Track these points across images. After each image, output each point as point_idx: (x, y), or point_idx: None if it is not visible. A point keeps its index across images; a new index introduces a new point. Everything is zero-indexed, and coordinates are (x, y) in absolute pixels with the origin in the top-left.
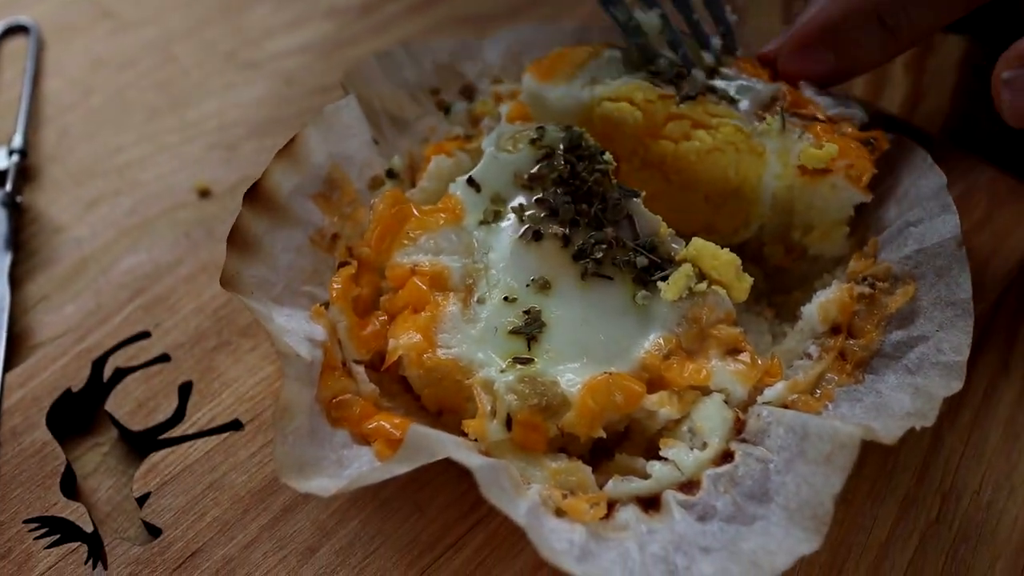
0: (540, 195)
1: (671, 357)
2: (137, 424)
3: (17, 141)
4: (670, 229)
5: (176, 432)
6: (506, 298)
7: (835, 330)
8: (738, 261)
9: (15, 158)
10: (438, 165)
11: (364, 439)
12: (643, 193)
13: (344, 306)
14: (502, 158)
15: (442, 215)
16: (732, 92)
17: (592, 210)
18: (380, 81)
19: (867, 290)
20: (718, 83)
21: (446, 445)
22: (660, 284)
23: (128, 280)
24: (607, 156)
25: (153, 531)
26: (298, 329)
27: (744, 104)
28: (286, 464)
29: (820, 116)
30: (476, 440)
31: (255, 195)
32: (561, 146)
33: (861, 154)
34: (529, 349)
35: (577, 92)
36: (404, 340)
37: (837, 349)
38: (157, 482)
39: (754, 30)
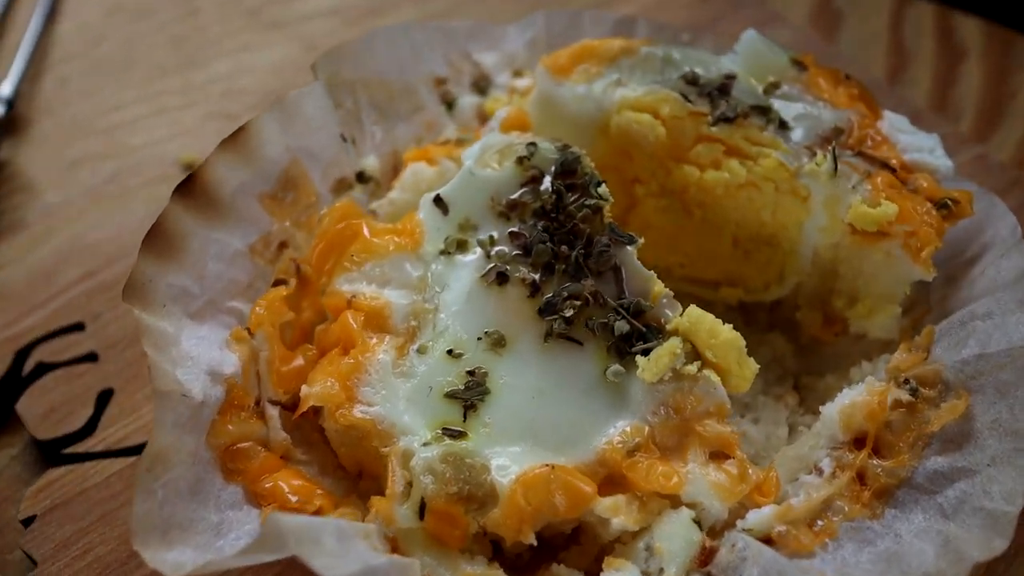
0: (516, 227)
1: (638, 453)
2: (44, 431)
3: (7, 89)
4: (667, 290)
5: (82, 447)
6: (451, 351)
7: (859, 442)
8: (742, 343)
9: (1, 109)
10: (415, 175)
11: (259, 500)
12: (640, 241)
13: (270, 334)
14: (481, 176)
15: (396, 239)
16: (788, 116)
17: (573, 254)
18: (369, 65)
19: (907, 396)
20: (775, 102)
21: (318, 539)
22: (640, 359)
23: (84, 258)
24: (603, 190)
25: (31, 562)
26: (203, 358)
27: (798, 133)
28: (145, 525)
29: (892, 162)
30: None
31: (191, 188)
32: (552, 169)
33: (929, 220)
34: (465, 419)
35: (598, 94)
36: (319, 389)
37: (856, 468)
38: (47, 504)
39: (856, 38)
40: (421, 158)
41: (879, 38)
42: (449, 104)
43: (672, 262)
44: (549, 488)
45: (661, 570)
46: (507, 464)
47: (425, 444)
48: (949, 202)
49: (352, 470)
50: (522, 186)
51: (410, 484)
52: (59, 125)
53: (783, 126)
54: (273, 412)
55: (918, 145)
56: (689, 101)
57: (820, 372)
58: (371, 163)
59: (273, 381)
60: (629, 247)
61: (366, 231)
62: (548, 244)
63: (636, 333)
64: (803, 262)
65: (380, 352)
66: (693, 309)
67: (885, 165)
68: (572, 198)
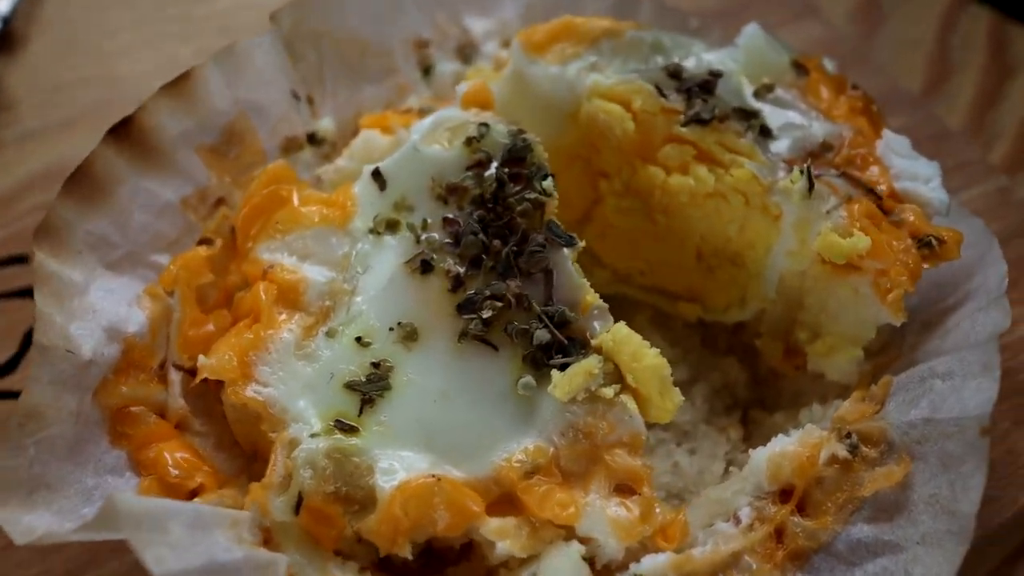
0: (452, 214)
1: (537, 476)
2: None
3: (4, 6)
4: (600, 302)
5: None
6: (359, 339)
7: (785, 495)
8: (666, 371)
9: None
10: (367, 143)
11: (141, 468)
12: (580, 244)
13: (184, 294)
14: (426, 153)
15: (325, 210)
16: (774, 123)
17: (504, 250)
18: (340, 17)
19: (844, 453)
20: (764, 107)
21: (163, 526)
22: (555, 374)
23: (47, 187)
24: (548, 183)
25: None
26: (107, 313)
27: (781, 144)
28: (9, 482)
29: (879, 188)
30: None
31: (126, 131)
32: (501, 155)
33: (906, 259)
34: (360, 414)
35: (571, 77)
36: (215, 361)
37: (775, 523)
38: None
39: (896, 41)
40: (377, 125)
41: (922, 44)
42: (426, 69)
43: (632, 267)
44: (431, 501)
45: None
46: (394, 469)
47: (313, 435)
48: (933, 241)
49: (247, 449)
50: (467, 169)
51: (290, 475)
52: (52, 46)
53: (766, 134)
54: (175, 378)
55: (914, 173)
56: (664, 95)
57: (772, 408)
58: (326, 125)
59: (179, 345)
60: (566, 249)
61: (296, 199)
62: (480, 236)
63: (557, 345)
64: (767, 287)
65: (285, 330)
66: (620, 328)
67: (870, 191)
68: (515, 189)
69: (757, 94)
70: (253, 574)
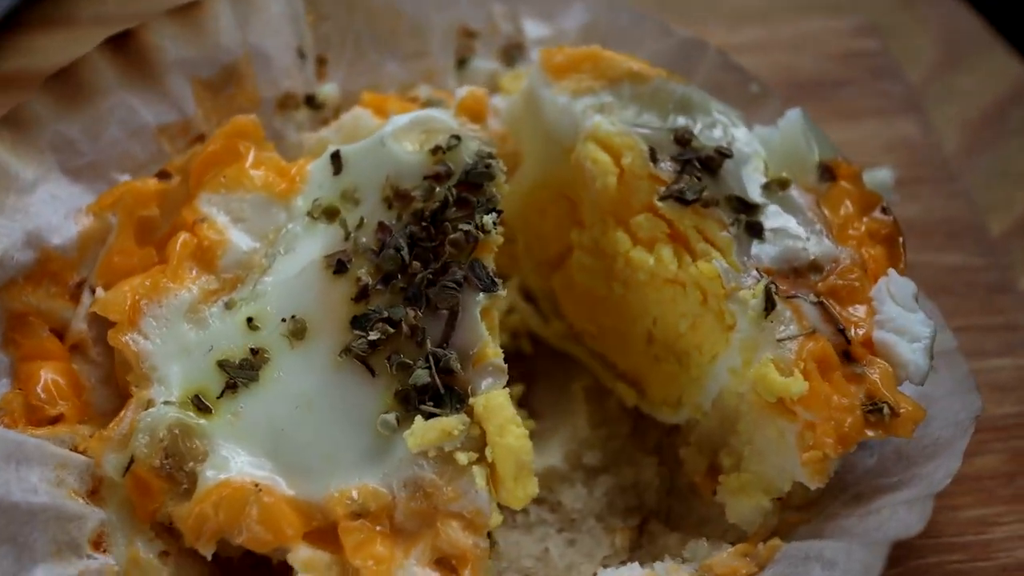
0: (390, 220)
1: (364, 519)
2: None
3: None
4: (497, 361)
5: None
6: (250, 320)
7: None
8: (526, 457)
9: None
10: (356, 120)
11: (15, 380)
12: (501, 292)
13: (123, 221)
14: (391, 150)
15: (272, 178)
16: (770, 225)
17: (420, 275)
18: None
19: None
20: (769, 204)
21: None
22: (418, 420)
23: None
24: (488, 220)
25: None
26: (38, 218)
27: (767, 249)
28: None
29: (852, 331)
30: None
31: (123, 44)
32: (464, 172)
33: (845, 420)
34: (220, 396)
35: (577, 112)
36: (110, 297)
37: None
38: None
39: (1000, 166)
40: (374, 106)
41: None
42: (462, 61)
43: (586, 329)
44: (244, 509)
45: None
46: (227, 464)
47: (167, 402)
48: (887, 409)
49: (122, 393)
50: (425, 178)
51: (131, 435)
52: None
53: (754, 233)
54: (87, 300)
55: (903, 326)
56: (655, 160)
57: (674, 525)
58: (328, 90)
59: (99, 269)
60: (481, 295)
61: (250, 158)
62: (402, 253)
63: (432, 391)
64: (705, 397)
65: (186, 288)
66: (497, 395)
67: (841, 331)
68: (457, 214)
69: (767, 188)
70: (49, 524)
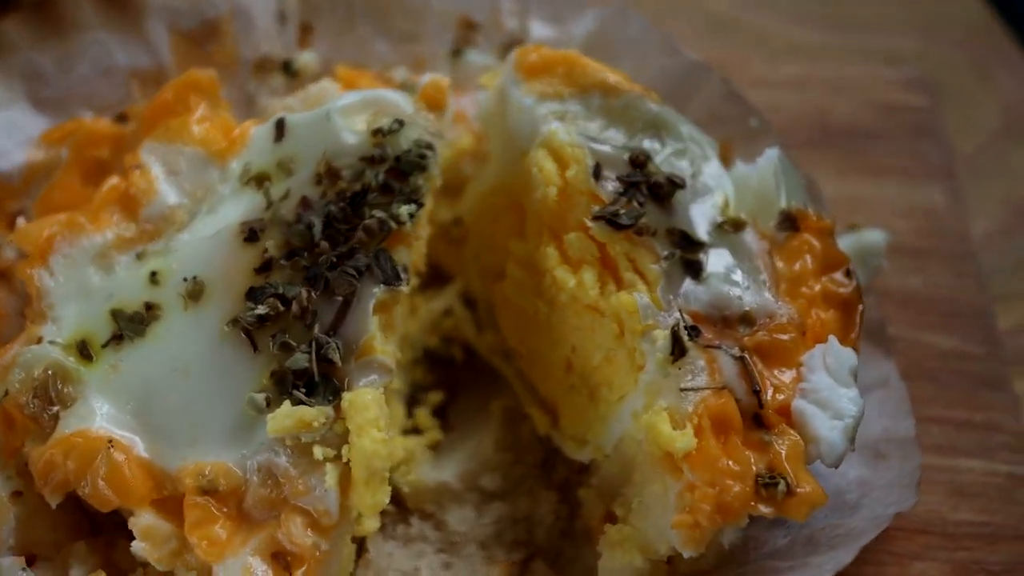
0: (314, 196)
1: (213, 497)
2: None
3: None
4: (383, 359)
5: None
6: (154, 274)
7: None
8: (381, 463)
9: None
10: (321, 92)
11: None
12: (403, 287)
13: (71, 159)
14: (335, 125)
15: (213, 136)
16: (711, 267)
17: (324, 257)
18: None
19: None
20: (717, 244)
21: None
22: (285, 405)
23: None
24: (404, 211)
25: None
26: None
27: (699, 291)
28: None
29: (768, 396)
30: None
31: None
32: (395, 158)
33: (730, 489)
34: (104, 346)
35: (537, 116)
36: (31, 227)
37: None
38: None
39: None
40: (345, 79)
41: None
42: (457, 52)
43: (515, 347)
44: (93, 463)
45: None
46: (91, 414)
47: (52, 343)
48: (783, 485)
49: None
50: (360, 159)
51: (7, 370)
52: None
53: (691, 272)
54: (20, 222)
55: (827, 400)
56: (599, 177)
57: (559, 569)
58: (306, 59)
59: (38, 201)
60: (379, 287)
61: (199, 112)
62: (313, 231)
63: (308, 377)
64: (608, 440)
65: (101, 232)
66: (366, 393)
67: (756, 392)
68: (378, 199)
69: (720, 227)
70: None
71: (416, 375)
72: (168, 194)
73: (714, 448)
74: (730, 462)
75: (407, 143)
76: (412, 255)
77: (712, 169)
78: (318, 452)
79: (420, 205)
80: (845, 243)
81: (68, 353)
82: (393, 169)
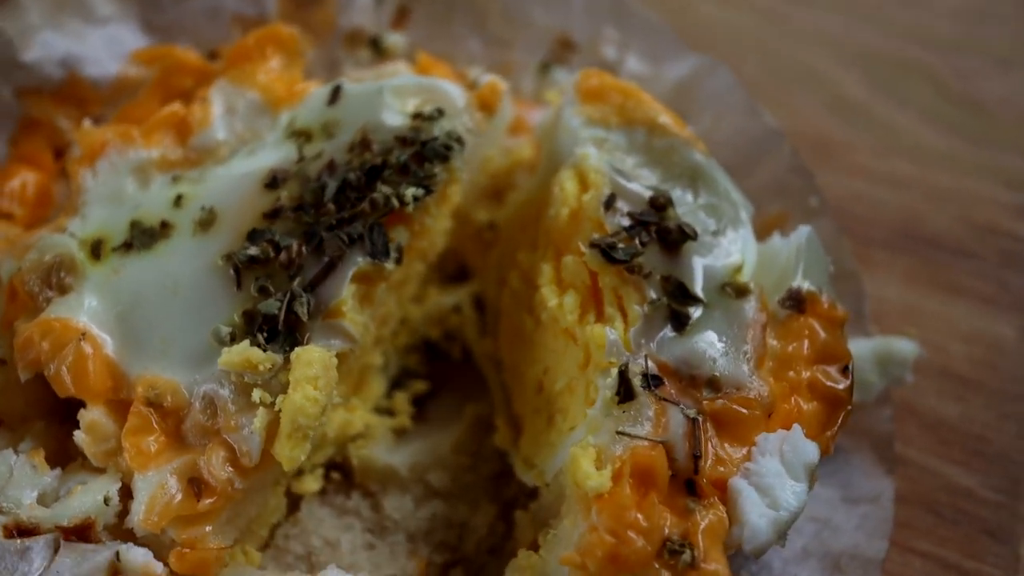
0: (342, 162)
1: (155, 409)
2: None
3: None
4: (348, 327)
5: None
6: (180, 197)
7: None
8: (307, 423)
9: None
10: (394, 72)
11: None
12: (388, 264)
13: (157, 80)
14: (383, 102)
15: (276, 86)
16: (696, 325)
17: (326, 218)
18: None
19: None
20: (712, 303)
21: None
22: (243, 345)
23: None
24: (410, 192)
25: None
26: (86, 48)
27: (672, 344)
28: None
29: (713, 468)
30: None
31: None
32: (422, 143)
33: (629, 544)
34: (113, 250)
35: (581, 138)
36: (93, 130)
37: None
38: None
39: None
40: (423, 67)
41: None
42: (545, 67)
43: (504, 358)
44: (62, 350)
45: None
46: (78, 307)
47: (72, 235)
48: (688, 556)
49: None
50: (394, 138)
51: (28, 248)
52: None
53: (675, 324)
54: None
55: (769, 486)
56: (609, 207)
57: None
58: (394, 40)
59: (117, 114)
60: (363, 258)
61: (272, 63)
62: (325, 191)
63: (272, 325)
64: (550, 468)
65: (149, 149)
66: (313, 351)
67: (696, 458)
68: (393, 177)
69: (722, 288)
70: None
71: (409, 361)
72: (219, 129)
73: (627, 498)
74: (640, 516)
75: (440, 132)
76: (416, 239)
77: (739, 233)
78: (256, 395)
79: (429, 191)
80: (870, 344)
81: (81, 248)
82: (417, 153)
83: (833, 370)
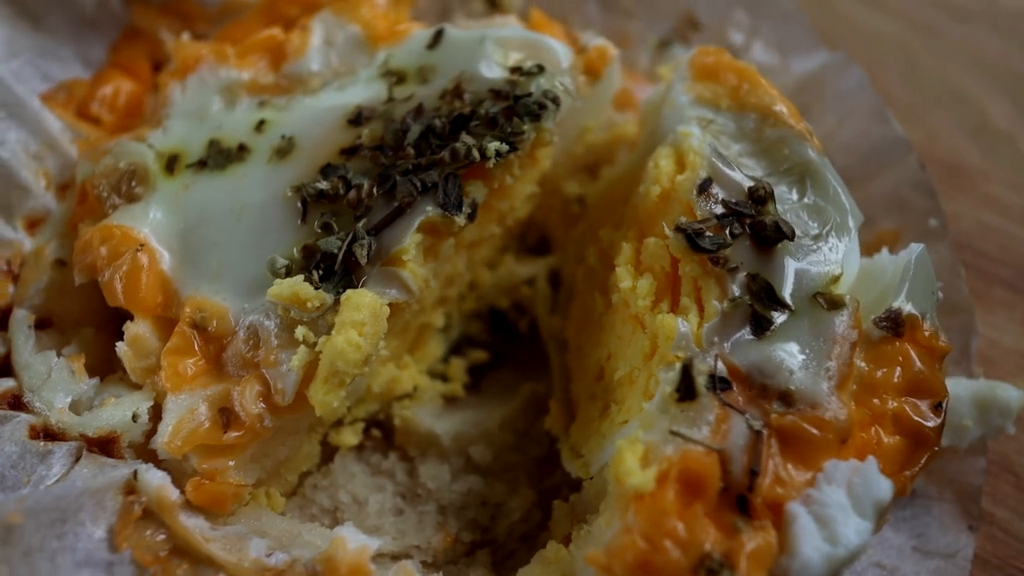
0: (432, 107)
1: (198, 332)
2: None
3: None
4: (409, 279)
5: None
6: (262, 123)
7: None
8: (346, 369)
9: None
10: (503, 25)
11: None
12: (458, 218)
13: (262, 5)
14: (484, 51)
15: (379, 22)
16: (776, 327)
17: (403, 163)
18: None
19: None
20: (798, 311)
21: None
22: (298, 278)
23: None
24: (493, 146)
25: None
26: None
27: (747, 348)
28: None
29: (771, 489)
30: None
31: None
32: (515, 97)
33: (664, 555)
34: (188, 167)
35: (686, 116)
36: (190, 44)
37: None
38: None
39: None
40: (535, 24)
41: None
42: (665, 43)
43: (571, 339)
44: (119, 259)
45: None
46: (143, 217)
47: (150, 146)
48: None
49: None
50: (488, 90)
51: (105, 152)
52: None
53: (754, 327)
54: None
55: (829, 518)
56: (702, 192)
57: (498, 570)
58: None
59: (220, 32)
60: (433, 208)
61: (378, 3)
62: (407, 134)
63: (329, 263)
64: (596, 461)
65: (241, 70)
66: (364, 295)
67: (753, 473)
68: (479, 130)
69: (813, 298)
70: None
71: (472, 328)
72: (313, 60)
73: (669, 503)
74: (680, 526)
75: (536, 89)
76: (494, 199)
77: (843, 242)
78: (299, 332)
79: (513, 148)
80: (972, 385)
81: (157, 160)
82: (508, 108)
83: (924, 405)
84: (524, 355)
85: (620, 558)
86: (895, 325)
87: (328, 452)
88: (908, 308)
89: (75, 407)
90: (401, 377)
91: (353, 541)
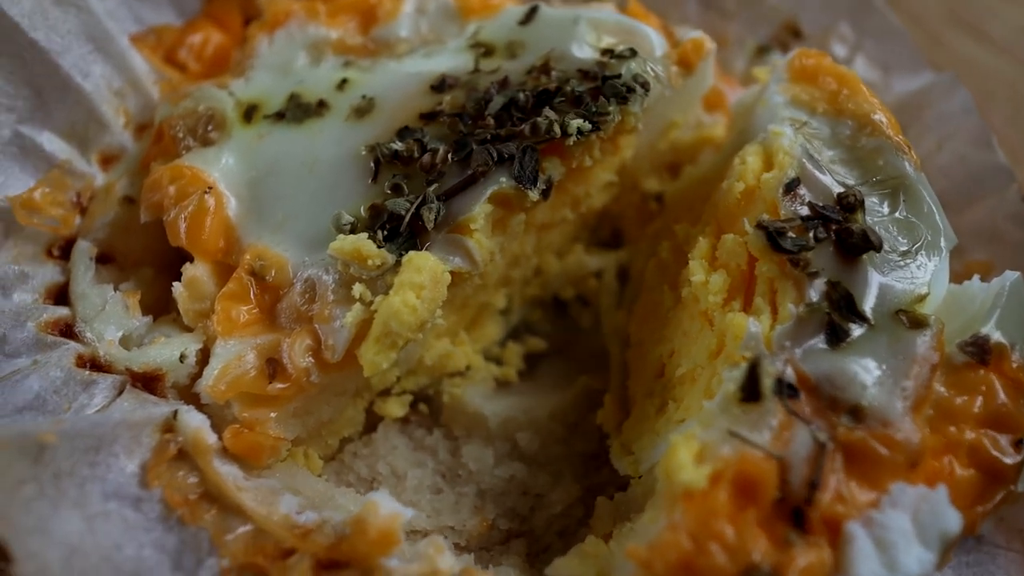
0: (514, 83)
1: (255, 280)
2: None
3: None
4: (473, 247)
5: None
6: (344, 81)
7: None
8: (400, 330)
9: None
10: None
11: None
12: (531, 192)
13: None
14: (577, 32)
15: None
16: (852, 339)
17: (480, 133)
18: None
19: None
20: (877, 326)
21: None
22: (361, 235)
23: None
24: (575, 124)
25: None
26: None
27: (819, 358)
28: None
29: (832, 506)
30: None
31: None
32: (603, 78)
33: (710, 558)
34: (264, 118)
35: (779, 116)
36: (284, 0)
37: None
38: None
39: None
40: (632, 13)
41: None
42: (763, 48)
43: (633, 335)
44: (186, 201)
45: None
46: (215, 162)
47: (231, 94)
48: None
49: None
50: (577, 70)
51: (186, 96)
52: None
53: (829, 336)
54: None
55: (891, 543)
56: (789, 192)
57: (532, 561)
58: None
59: None
60: (506, 179)
61: None
62: (489, 106)
63: (395, 224)
64: (646, 459)
65: (332, 29)
66: (426, 258)
67: (813, 487)
68: (563, 106)
69: (896, 314)
70: (79, 108)
71: (533, 315)
72: (403, 26)
73: (720, 505)
74: (729, 530)
75: (626, 72)
76: (570, 181)
77: (932, 262)
78: (356, 289)
79: (596, 128)
80: None
81: (236, 108)
82: (595, 88)
83: (1004, 440)
84: (582, 349)
85: (662, 555)
86: (981, 352)
87: (372, 421)
88: (997, 336)
89: (125, 342)
90: (455, 353)
91: (386, 507)
